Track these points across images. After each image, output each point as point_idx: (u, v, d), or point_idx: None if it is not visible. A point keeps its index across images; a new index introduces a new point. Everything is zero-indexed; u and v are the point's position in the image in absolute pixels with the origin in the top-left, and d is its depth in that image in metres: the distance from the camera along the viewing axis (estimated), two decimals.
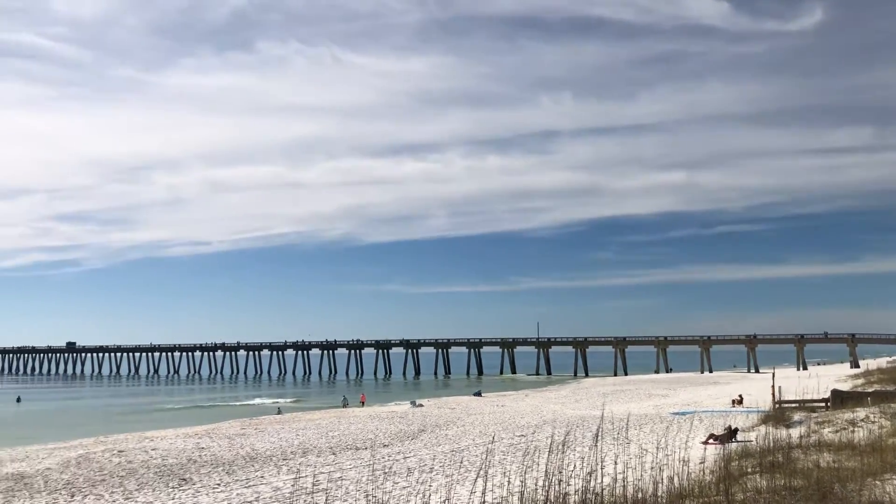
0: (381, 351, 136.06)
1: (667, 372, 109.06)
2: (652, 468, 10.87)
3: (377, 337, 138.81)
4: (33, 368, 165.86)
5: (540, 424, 35.56)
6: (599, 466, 9.03)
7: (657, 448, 14.82)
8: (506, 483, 12.48)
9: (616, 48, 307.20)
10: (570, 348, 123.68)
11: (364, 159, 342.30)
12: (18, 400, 78.27)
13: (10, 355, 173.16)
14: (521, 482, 8.85)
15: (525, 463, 10.94)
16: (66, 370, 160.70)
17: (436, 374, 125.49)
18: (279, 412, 54.04)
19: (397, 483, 19.85)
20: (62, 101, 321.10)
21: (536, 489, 8.59)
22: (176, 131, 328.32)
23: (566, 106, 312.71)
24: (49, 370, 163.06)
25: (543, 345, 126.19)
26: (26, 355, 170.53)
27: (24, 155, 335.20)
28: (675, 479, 10.07)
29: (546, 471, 8.43)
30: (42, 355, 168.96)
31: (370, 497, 17.22)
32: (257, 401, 72.56)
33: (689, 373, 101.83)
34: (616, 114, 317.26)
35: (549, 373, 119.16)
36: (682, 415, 37.51)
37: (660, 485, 9.53)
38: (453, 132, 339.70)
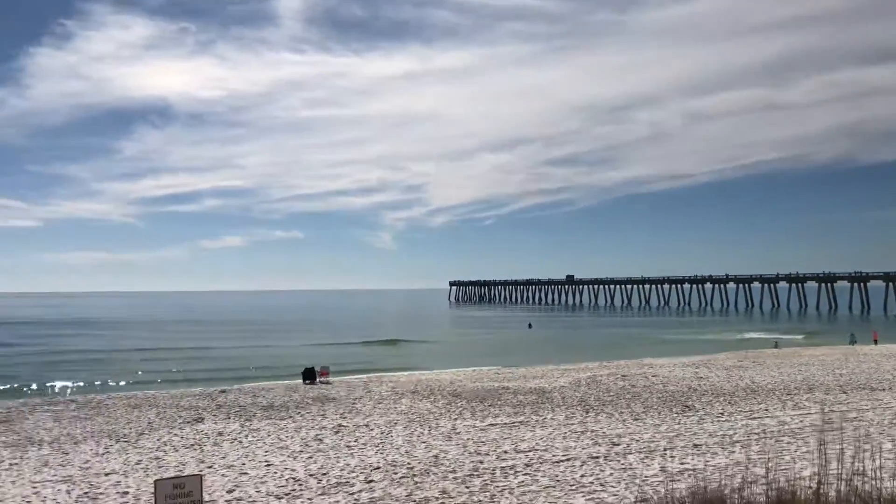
0: (890, 284, 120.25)
1: None
2: None
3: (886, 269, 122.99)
4: (539, 299, 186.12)
5: None
6: None
7: None
8: None
9: None
10: None
11: (861, 68, 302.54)
12: (530, 326, 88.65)
13: (520, 287, 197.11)
14: None
15: None
16: (565, 300, 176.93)
17: None
18: (776, 346, 51.60)
19: None
20: (549, 53, 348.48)
21: None
22: (653, 67, 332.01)
23: None
24: (551, 300, 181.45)
25: None
26: (532, 287, 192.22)
27: (521, 108, 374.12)
28: None
29: None
30: (545, 287, 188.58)
31: None
32: (751, 335, 70.33)
33: None
34: None
35: None
36: None
37: None
38: None
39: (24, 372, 42.93)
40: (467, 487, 13.51)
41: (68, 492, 14.01)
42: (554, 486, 13.37)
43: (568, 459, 15.76)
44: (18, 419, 23.36)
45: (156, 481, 8.93)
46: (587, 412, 22.56)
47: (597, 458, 15.88)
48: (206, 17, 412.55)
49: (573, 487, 13.27)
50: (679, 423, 20.16)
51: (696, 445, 17.00)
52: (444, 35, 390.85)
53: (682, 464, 14.96)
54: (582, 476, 14.14)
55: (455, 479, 14.22)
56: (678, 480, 12.64)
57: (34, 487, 14.43)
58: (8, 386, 35.77)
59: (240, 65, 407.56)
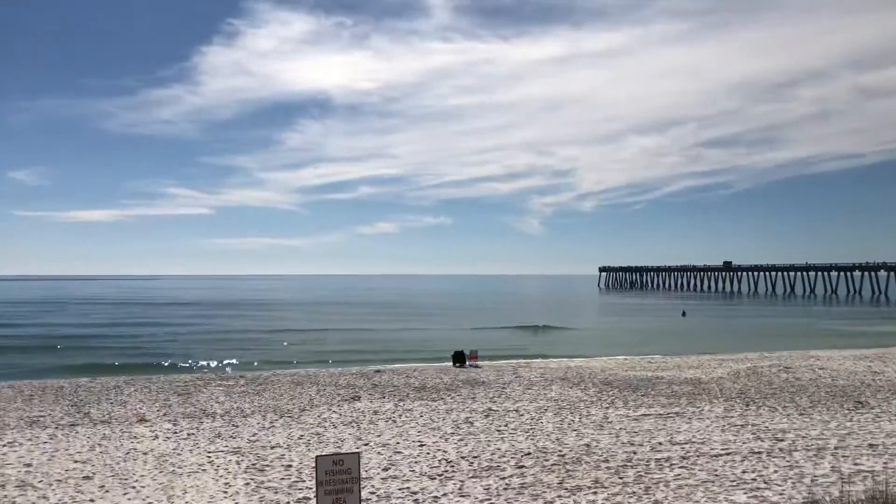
0: None
1: None
2: None
3: None
4: (694, 286, 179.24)
5: None
6: None
7: None
8: None
9: None
10: None
11: None
12: (684, 314, 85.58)
13: (673, 273, 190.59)
14: None
15: None
16: (722, 288, 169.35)
17: None
18: None
19: None
20: (704, 30, 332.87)
21: None
22: (819, 41, 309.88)
23: None
24: (707, 287, 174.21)
25: None
26: (687, 273, 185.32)
27: (673, 88, 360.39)
28: None
29: None
30: (700, 274, 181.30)
31: None
32: None
33: None
34: None
35: None
36: None
37: None
38: None
39: (198, 349, 46.36)
40: (620, 478, 13.23)
41: (238, 462, 14.98)
42: (713, 481, 12.83)
43: (727, 454, 15.07)
44: (195, 392, 25.24)
45: (317, 457, 9.33)
46: (747, 405, 21.49)
47: (759, 453, 15.09)
48: (361, 10, 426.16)
49: (734, 483, 12.67)
50: (851, 421, 18.79)
51: (871, 445, 15.77)
52: (593, 17, 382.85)
53: (856, 464, 13.93)
54: (743, 472, 13.48)
55: (608, 468, 13.97)
56: (853, 482, 11.79)
57: (208, 457, 15.54)
58: (188, 363, 38.68)
59: (393, 56, 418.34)
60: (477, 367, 32.18)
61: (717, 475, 13.27)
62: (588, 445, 16.11)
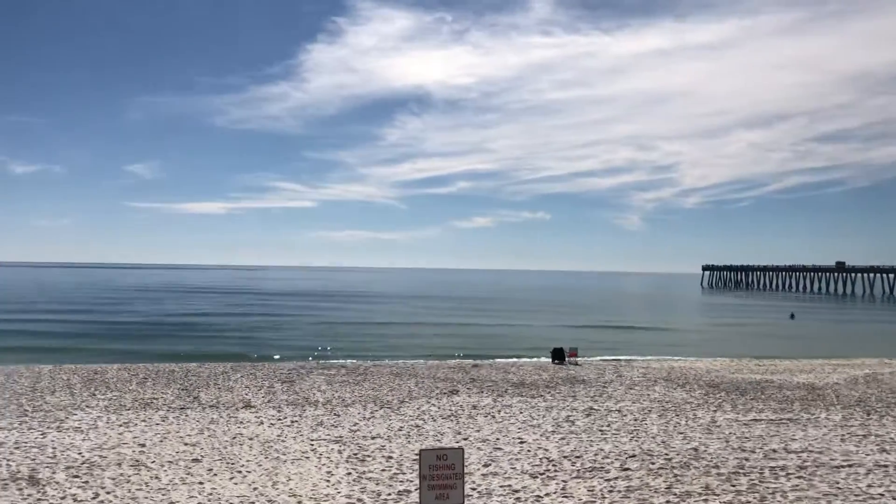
0: None
1: None
2: None
3: None
4: (804, 287, 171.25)
5: None
6: None
7: None
8: None
9: None
10: None
11: None
12: (792, 316, 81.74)
13: (781, 273, 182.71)
14: None
15: None
16: (835, 289, 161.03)
17: None
18: None
19: None
20: (816, 21, 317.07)
21: None
22: None
23: None
24: (817, 289, 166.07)
25: None
26: (796, 274, 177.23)
27: (782, 81, 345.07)
28: None
29: None
30: (811, 274, 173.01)
31: None
32: None
33: None
34: None
35: None
36: None
37: None
38: None
39: (301, 338, 47.54)
40: (732, 485, 12.59)
41: (339, 452, 15.12)
42: (836, 495, 12.03)
43: (849, 465, 14.14)
44: (298, 380, 25.78)
45: (421, 451, 9.23)
46: (868, 414, 20.19)
47: (885, 466, 14.09)
48: (461, 6, 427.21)
49: (860, 498, 11.84)
50: None
51: None
52: (698, 9, 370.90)
53: None
54: (868, 486, 12.59)
55: (718, 475, 13.33)
56: None
57: (311, 444, 15.77)
58: (291, 352, 39.68)
59: (491, 51, 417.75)
60: (576, 364, 31.61)
61: (839, 488, 12.45)
62: (696, 450, 15.46)
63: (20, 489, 12.15)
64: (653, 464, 14.18)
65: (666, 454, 15.02)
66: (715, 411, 20.41)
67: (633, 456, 14.85)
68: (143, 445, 15.48)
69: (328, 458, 14.58)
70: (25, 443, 15.58)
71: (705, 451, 15.37)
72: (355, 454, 14.89)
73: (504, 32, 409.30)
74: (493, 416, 19.35)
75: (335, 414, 19.49)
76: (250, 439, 16.23)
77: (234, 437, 16.40)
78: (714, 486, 12.57)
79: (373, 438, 16.47)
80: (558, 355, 32.42)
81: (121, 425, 17.59)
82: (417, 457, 13.84)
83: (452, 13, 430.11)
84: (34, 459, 14.14)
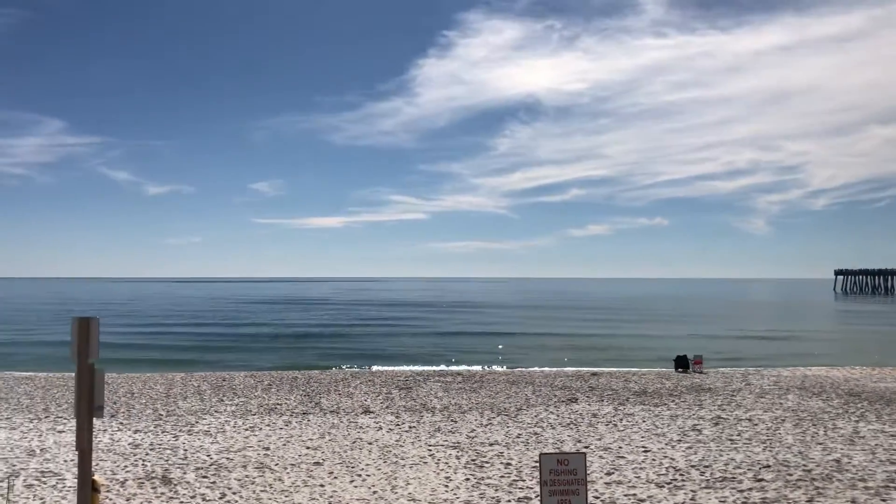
0: None
1: None
2: None
3: None
4: None
5: None
6: None
7: None
8: None
9: None
10: None
11: None
12: None
13: None
14: None
15: None
16: None
17: None
18: None
19: None
20: None
21: None
22: None
23: None
24: None
25: None
26: None
27: None
28: None
29: None
30: None
31: None
32: None
33: None
34: None
35: None
36: None
37: None
38: None
39: (417, 347, 47.98)
40: (883, 500, 11.56)
41: (457, 457, 14.96)
42: None
43: None
44: (415, 387, 25.91)
45: (541, 454, 8.90)
46: None
47: None
48: (570, 12, 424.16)
49: None
50: None
51: None
52: (821, 1, 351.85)
53: None
54: None
55: (866, 488, 12.28)
56: None
57: (429, 450, 15.69)
58: (410, 361, 40.10)
59: (603, 56, 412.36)
60: (701, 373, 30.29)
61: None
62: (838, 461, 14.35)
63: (154, 488, 12.65)
64: (790, 475, 13.24)
65: (804, 465, 14.01)
66: (857, 421, 18.96)
67: (768, 466, 13.93)
68: (268, 448, 15.85)
69: (446, 463, 14.45)
70: (160, 444, 16.28)
71: (849, 463, 14.24)
72: (473, 460, 14.69)
73: (615, 36, 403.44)
74: (615, 425, 18.71)
75: (452, 420, 19.39)
76: (369, 444, 16.33)
77: (354, 442, 16.56)
78: (862, 500, 11.58)
79: (490, 445, 16.23)
80: (682, 363, 31.18)
81: (246, 429, 18.11)
82: (537, 463, 13.51)
83: (562, 20, 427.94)
84: (167, 460, 14.73)
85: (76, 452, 8.36)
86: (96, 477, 8.30)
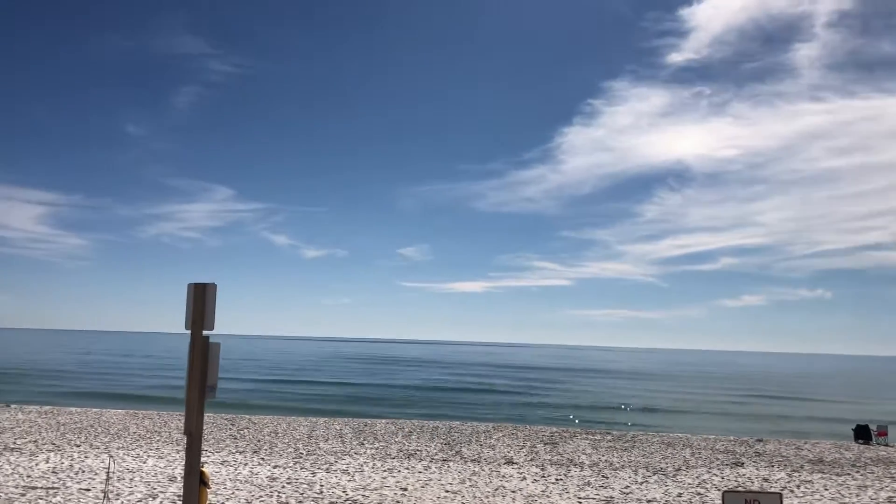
0: None
1: None
2: None
3: None
4: None
5: None
6: None
7: None
8: None
9: None
10: None
11: None
12: None
13: None
14: None
15: None
16: None
17: None
18: None
19: None
20: None
21: None
22: None
23: None
24: None
25: None
26: None
27: None
28: None
29: None
30: None
31: None
32: None
33: None
34: None
35: None
36: None
37: None
38: None
39: (560, 406, 46.05)
40: None
41: None
42: None
43: None
44: (561, 443, 24.37)
45: (724, 492, 7.50)
46: None
47: None
48: (720, 78, 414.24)
49: None
50: None
51: None
52: None
53: None
54: None
55: None
56: None
57: (579, 502, 14.26)
58: (553, 419, 38.42)
59: (755, 121, 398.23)
60: (887, 444, 26.80)
61: None
62: None
63: None
64: None
65: None
66: None
67: None
68: (405, 489, 14.97)
69: None
70: (296, 479, 15.80)
71: None
72: None
73: (768, 101, 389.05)
74: (792, 491, 16.45)
75: (603, 476, 17.79)
76: (513, 492, 15.10)
77: (496, 489, 15.38)
78: None
79: (647, 501, 14.57)
80: (863, 434, 27.79)
81: (385, 471, 17.37)
82: (720, 501, 11.83)
83: (711, 86, 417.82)
84: (302, 494, 14.16)
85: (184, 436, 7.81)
86: (205, 469, 7.70)
